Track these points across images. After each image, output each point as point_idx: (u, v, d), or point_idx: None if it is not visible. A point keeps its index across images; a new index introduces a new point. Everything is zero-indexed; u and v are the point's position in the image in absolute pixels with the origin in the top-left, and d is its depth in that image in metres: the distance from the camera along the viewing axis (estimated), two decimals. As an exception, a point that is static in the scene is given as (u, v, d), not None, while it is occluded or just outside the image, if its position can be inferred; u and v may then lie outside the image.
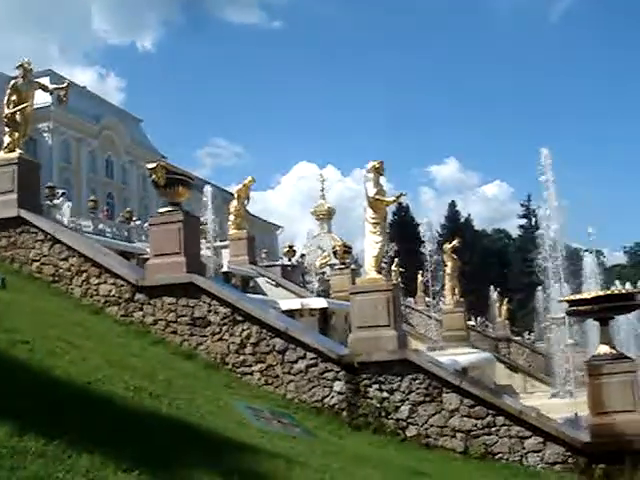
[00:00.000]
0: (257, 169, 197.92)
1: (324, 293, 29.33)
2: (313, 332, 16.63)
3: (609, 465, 12.55)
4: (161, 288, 14.90)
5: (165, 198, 15.26)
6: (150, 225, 16.04)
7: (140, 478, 5.37)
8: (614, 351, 13.48)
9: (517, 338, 53.95)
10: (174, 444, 7.06)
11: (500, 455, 13.14)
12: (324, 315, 21.07)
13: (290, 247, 34.58)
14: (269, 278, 27.75)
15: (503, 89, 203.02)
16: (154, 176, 14.72)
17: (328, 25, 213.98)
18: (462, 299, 34.74)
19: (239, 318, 14.50)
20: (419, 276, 50.80)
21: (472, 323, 45.35)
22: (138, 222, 38.16)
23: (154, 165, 14.85)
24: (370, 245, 14.65)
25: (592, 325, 17.29)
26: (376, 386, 13.76)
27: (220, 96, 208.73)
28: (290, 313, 18.89)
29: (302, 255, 39.96)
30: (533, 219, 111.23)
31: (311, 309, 20.87)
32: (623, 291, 15.11)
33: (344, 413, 13.75)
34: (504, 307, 52.73)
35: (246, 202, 30.05)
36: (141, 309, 15.07)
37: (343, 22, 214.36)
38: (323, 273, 37.11)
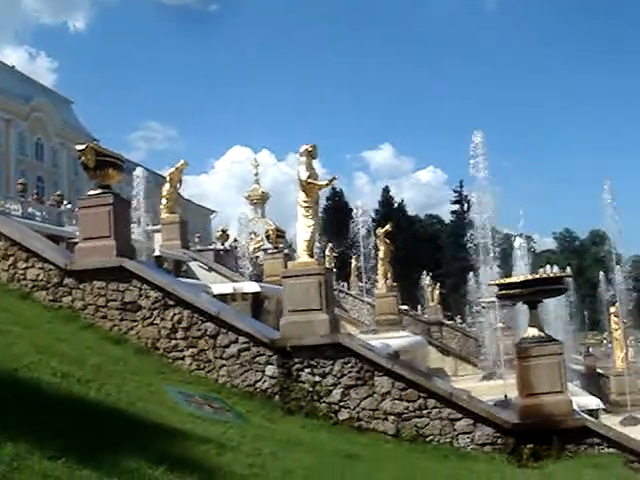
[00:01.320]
0: (191, 153, 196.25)
1: (257, 277, 29.21)
2: (245, 316, 16.53)
3: (537, 445, 12.82)
4: (91, 272, 14.65)
5: (95, 181, 14.98)
6: (79, 208, 15.73)
7: (66, 465, 5.27)
8: (542, 334, 13.73)
9: (449, 322, 54.60)
10: (102, 430, 6.95)
11: (431, 437, 13.28)
12: (257, 299, 20.96)
13: (223, 231, 34.39)
14: (202, 262, 27.55)
15: (439, 76, 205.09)
16: (83, 158, 14.44)
17: (264, 8, 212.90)
18: (395, 284, 34.90)
19: (170, 302, 14.35)
20: (352, 261, 51.02)
21: (405, 307, 45.66)
22: (69, 206, 37.48)
23: (83, 147, 14.56)
24: (302, 229, 14.62)
25: (522, 309, 17.52)
26: (308, 370, 13.77)
27: (154, 79, 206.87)
28: (222, 297, 18.74)
29: (235, 239, 39.68)
30: (465, 205, 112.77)
31: (244, 293, 20.75)
32: (551, 275, 15.38)
33: (276, 397, 13.74)
34: (436, 291, 53.30)
35: (178, 186, 29.74)
36: (70, 294, 14.80)
37: (279, 5, 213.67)
38: (256, 257, 37.00)
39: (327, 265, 24.46)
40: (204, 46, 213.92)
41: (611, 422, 21.70)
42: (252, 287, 21.65)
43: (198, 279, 25.02)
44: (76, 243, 15.84)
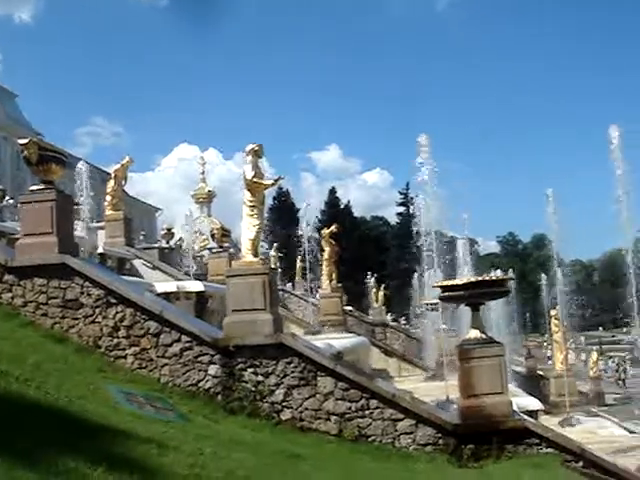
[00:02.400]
0: (137, 150, 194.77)
1: (202, 276, 29.05)
2: (188, 315, 16.44)
3: (478, 445, 12.97)
4: (32, 269, 14.38)
5: (38, 176, 14.75)
6: (21, 204, 15.47)
7: (2, 465, 5.18)
8: (484, 336, 13.86)
9: (393, 323, 54.90)
10: (40, 429, 6.87)
11: (373, 437, 13.33)
12: (201, 298, 20.87)
13: (168, 230, 34.09)
14: (146, 260, 27.30)
15: (387, 77, 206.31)
16: (26, 152, 14.20)
17: (214, 5, 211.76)
18: (339, 284, 34.95)
19: (113, 300, 14.18)
20: (298, 261, 51.04)
21: (349, 308, 45.80)
22: (11, 201, 36.81)
23: (26, 141, 14.33)
24: (247, 228, 14.58)
25: (465, 311, 17.71)
26: (251, 370, 13.72)
27: (100, 74, 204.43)
28: (166, 296, 18.61)
29: (180, 238, 39.39)
30: (411, 207, 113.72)
31: (187, 292, 20.64)
32: (494, 278, 15.54)
33: (219, 397, 13.67)
34: (381, 293, 53.52)
35: (123, 183, 29.40)
36: (10, 290, 14.50)
37: (229, 3, 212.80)
38: (201, 256, 36.81)
39: (272, 265, 24.45)
40: (152, 41, 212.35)
41: (550, 423, 22.07)
42: (196, 286, 21.55)
43: (142, 277, 24.81)
44: (17, 239, 15.57)
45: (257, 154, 14.76)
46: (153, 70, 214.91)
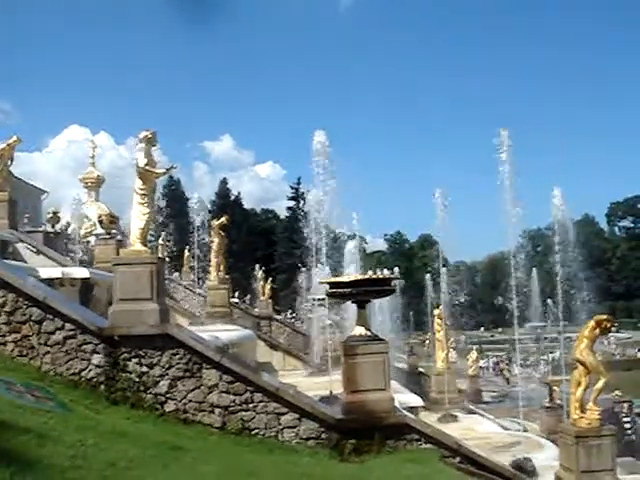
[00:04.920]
0: (25, 129, 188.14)
1: (88, 263, 28.52)
2: (73, 302, 16.14)
3: (359, 440, 13.17)
4: None
5: None
6: None
7: None
8: (369, 333, 14.07)
9: (279, 317, 55.03)
10: None
11: (257, 430, 13.37)
12: (86, 285, 20.51)
13: (54, 213, 33.32)
14: (30, 244, 26.64)
15: (282, 72, 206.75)
16: None
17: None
18: (227, 276, 34.91)
19: (-6, 285, 13.80)
20: (186, 251, 50.70)
21: (236, 301, 45.70)
22: None
23: None
24: (137, 216, 14.36)
25: (351, 307, 17.93)
26: (136, 360, 13.55)
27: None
28: (50, 282, 18.20)
29: (68, 223, 38.55)
30: (301, 202, 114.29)
31: (72, 278, 20.22)
32: (380, 276, 15.76)
33: (102, 387, 13.45)
34: (268, 286, 53.61)
35: (9, 163, 28.55)
36: None
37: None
38: (88, 242, 36.16)
39: (160, 254, 24.20)
40: (42, 15, 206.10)
41: (430, 419, 22.62)
42: (81, 272, 21.16)
43: (25, 262, 24.19)
44: None
45: (150, 142, 14.55)
46: (44, 47, 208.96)
